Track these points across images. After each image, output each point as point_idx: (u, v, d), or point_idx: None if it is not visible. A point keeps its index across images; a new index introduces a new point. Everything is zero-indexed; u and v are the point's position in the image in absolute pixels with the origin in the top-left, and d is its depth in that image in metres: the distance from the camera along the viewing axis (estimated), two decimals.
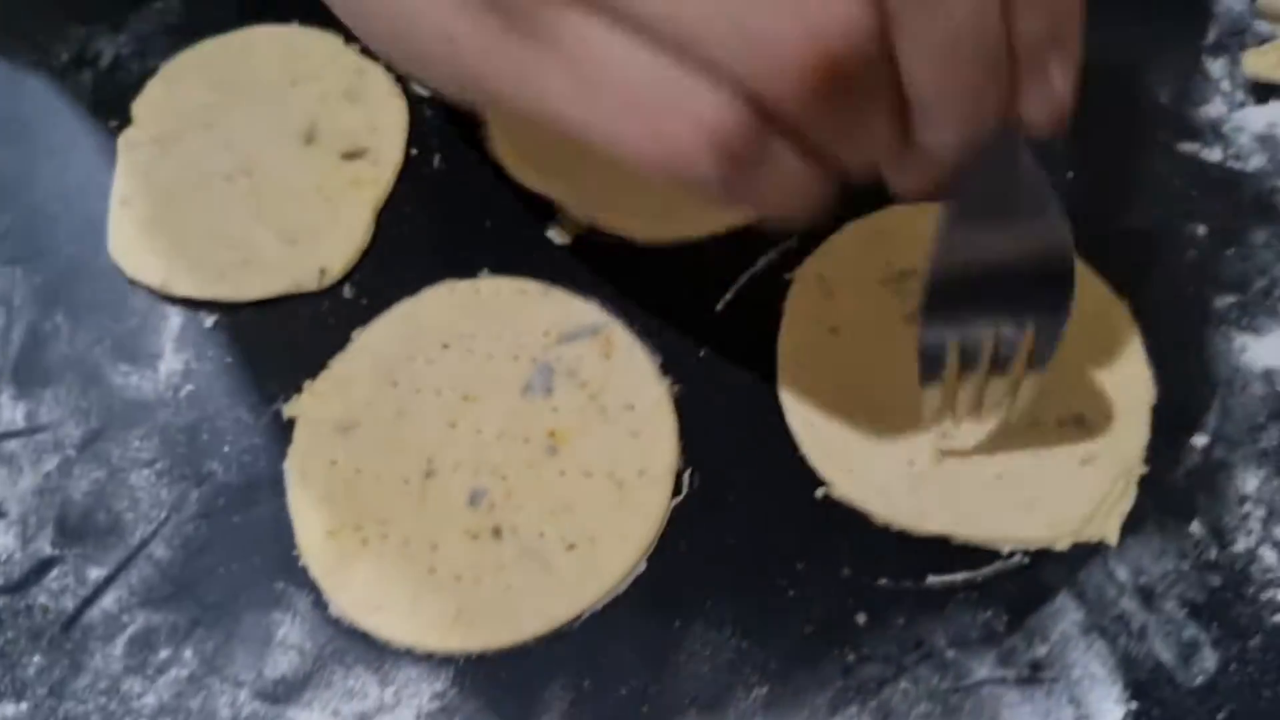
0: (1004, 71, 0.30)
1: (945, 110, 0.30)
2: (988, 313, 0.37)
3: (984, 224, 0.35)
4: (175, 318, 0.46)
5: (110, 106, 0.51)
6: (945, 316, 0.37)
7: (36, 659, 0.40)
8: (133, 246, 0.47)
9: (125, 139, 0.49)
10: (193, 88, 0.50)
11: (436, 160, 0.49)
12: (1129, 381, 0.43)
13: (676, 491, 0.42)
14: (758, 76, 0.27)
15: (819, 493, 0.42)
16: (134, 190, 0.48)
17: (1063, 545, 0.41)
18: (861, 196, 0.45)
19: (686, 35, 0.27)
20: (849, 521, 0.41)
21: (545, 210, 0.48)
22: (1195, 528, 0.41)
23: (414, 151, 0.49)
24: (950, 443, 0.42)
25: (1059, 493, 0.41)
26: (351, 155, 0.48)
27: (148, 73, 0.51)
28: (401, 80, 0.50)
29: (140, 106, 0.50)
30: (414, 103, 0.50)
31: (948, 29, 0.28)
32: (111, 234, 0.47)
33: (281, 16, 0.52)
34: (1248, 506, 0.41)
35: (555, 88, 0.29)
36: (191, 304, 0.46)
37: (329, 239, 0.46)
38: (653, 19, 0.27)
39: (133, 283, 0.46)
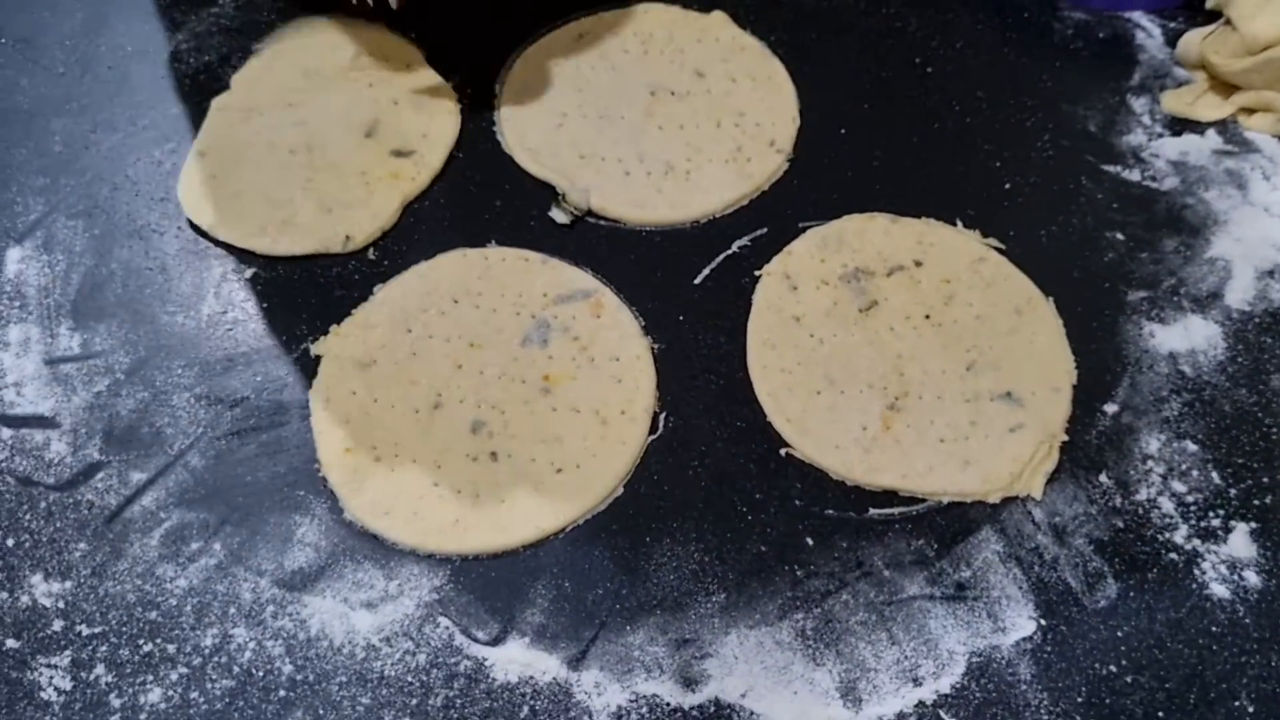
0: None
1: None
2: None
3: None
4: (218, 268, 0.52)
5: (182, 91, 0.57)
6: None
7: (82, 546, 0.45)
8: (196, 190, 0.53)
9: (218, 102, 0.56)
10: (287, 71, 0.57)
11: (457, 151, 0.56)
12: (1053, 364, 0.49)
13: (653, 430, 0.48)
14: None
15: (782, 451, 0.47)
16: (211, 145, 0.55)
17: (994, 499, 0.46)
18: (819, 206, 0.52)
19: None
20: (803, 464, 0.47)
21: (548, 195, 0.54)
22: (1104, 479, 0.47)
23: (458, 156, 0.56)
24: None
25: (992, 455, 0.47)
26: (400, 154, 0.55)
27: (204, 66, 0.58)
28: (463, 102, 0.57)
29: (239, 78, 0.57)
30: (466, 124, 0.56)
31: None
32: (182, 177, 0.54)
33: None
34: (1150, 464, 0.47)
35: None
36: (234, 258, 0.52)
37: (359, 214, 0.53)
38: None
39: (187, 226, 0.52)
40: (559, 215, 0.54)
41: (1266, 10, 0.54)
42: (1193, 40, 0.58)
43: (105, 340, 0.50)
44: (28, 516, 0.45)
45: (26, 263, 0.52)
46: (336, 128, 0.55)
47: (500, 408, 0.48)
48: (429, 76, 0.57)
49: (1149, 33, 0.60)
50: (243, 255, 0.52)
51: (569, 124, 0.56)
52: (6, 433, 0.47)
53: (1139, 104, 0.58)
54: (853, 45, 0.60)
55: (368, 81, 0.57)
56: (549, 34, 0.60)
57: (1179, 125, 0.57)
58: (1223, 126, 0.57)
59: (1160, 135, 0.56)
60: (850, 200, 0.54)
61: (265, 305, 0.51)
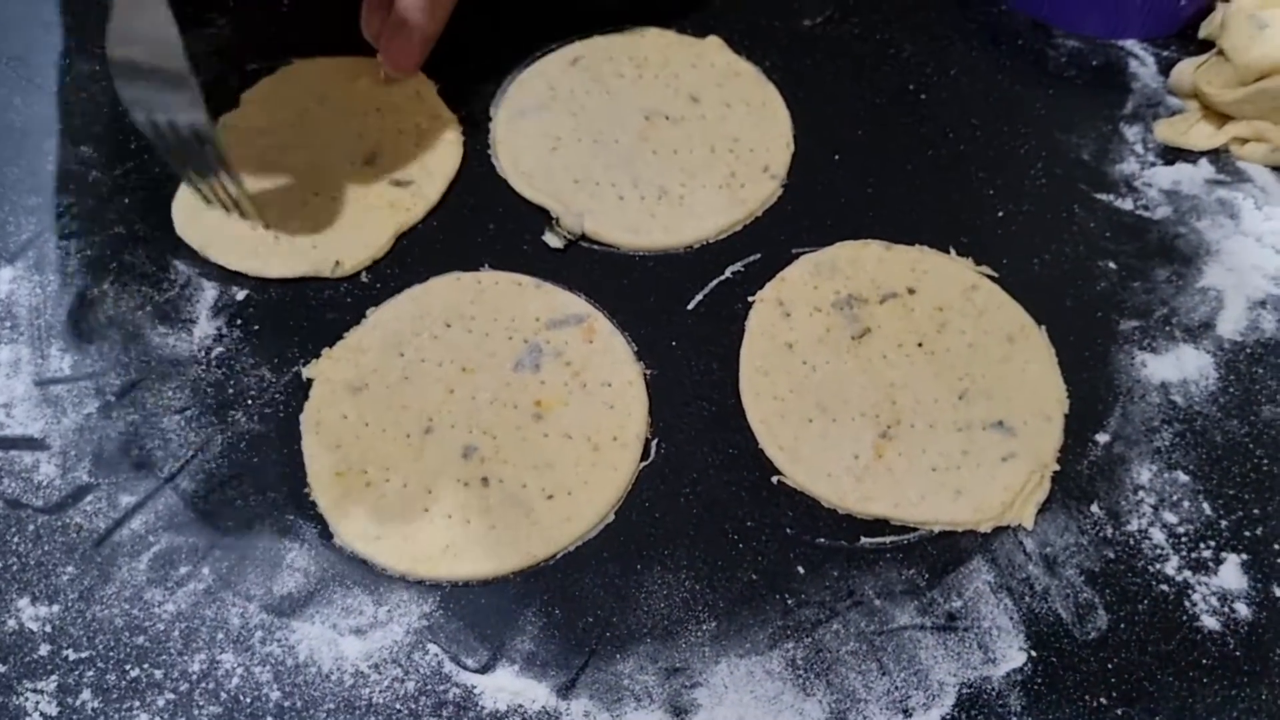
0: None
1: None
2: None
3: None
4: (210, 290, 0.52)
5: None
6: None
7: (69, 569, 0.45)
8: (189, 211, 0.53)
9: (225, 120, 0.56)
10: (296, 93, 0.57)
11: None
12: (1045, 393, 0.49)
13: (645, 456, 0.48)
14: None
15: (774, 479, 0.47)
16: None
17: (985, 528, 0.46)
18: (813, 232, 0.52)
19: None
20: (794, 492, 0.47)
21: (542, 219, 0.54)
22: (1095, 509, 0.47)
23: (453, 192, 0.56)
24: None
25: (983, 484, 0.47)
26: (399, 184, 0.54)
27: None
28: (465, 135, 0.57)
29: (249, 97, 0.57)
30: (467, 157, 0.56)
31: None
32: (177, 196, 0.53)
33: (324, 48, 0.59)
34: (1141, 494, 0.47)
35: None
36: (225, 279, 0.52)
37: (352, 241, 0.53)
38: None
39: (177, 247, 0.52)
40: (552, 240, 0.54)
41: (1259, 41, 0.55)
42: (1186, 70, 0.58)
43: (96, 361, 0.50)
44: (15, 539, 0.45)
45: (18, 283, 0.52)
46: (338, 153, 0.55)
47: (492, 433, 0.48)
48: (436, 108, 0.57)
49: (1142, 61, 0.60)
50: (234, 277, 0.52)
51: (563, 148, 0.56)
52: None
53: (1132, 132, 0.58)
54: (847, 71, 0.60)
55: (376, 107, 0.57)
56: (544, 57, 0.60)
57: (1172, 154, 0.57)
58: (1215, 156, 0.57)
59: (1153, 164, 0.57)
60: (844, 226, 0.54)
61: (256, 328, 0.51)
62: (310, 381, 0.49)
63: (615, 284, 0.52)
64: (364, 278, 0.52)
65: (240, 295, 0.52)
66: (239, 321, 0.51)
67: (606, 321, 0.51)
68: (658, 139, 0.56)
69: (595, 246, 0.54)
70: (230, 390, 0.49)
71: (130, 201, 0.55)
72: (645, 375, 0.50)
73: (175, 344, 0.50)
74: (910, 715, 0.42)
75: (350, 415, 0.48)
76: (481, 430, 0.48)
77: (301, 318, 0.51)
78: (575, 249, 0.54)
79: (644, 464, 0.48)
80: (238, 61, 0.59)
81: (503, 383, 0.49)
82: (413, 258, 0.53)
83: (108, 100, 0.58)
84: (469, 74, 0.59)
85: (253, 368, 0.50)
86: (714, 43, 0.60)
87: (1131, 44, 0.61)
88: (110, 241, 0.53)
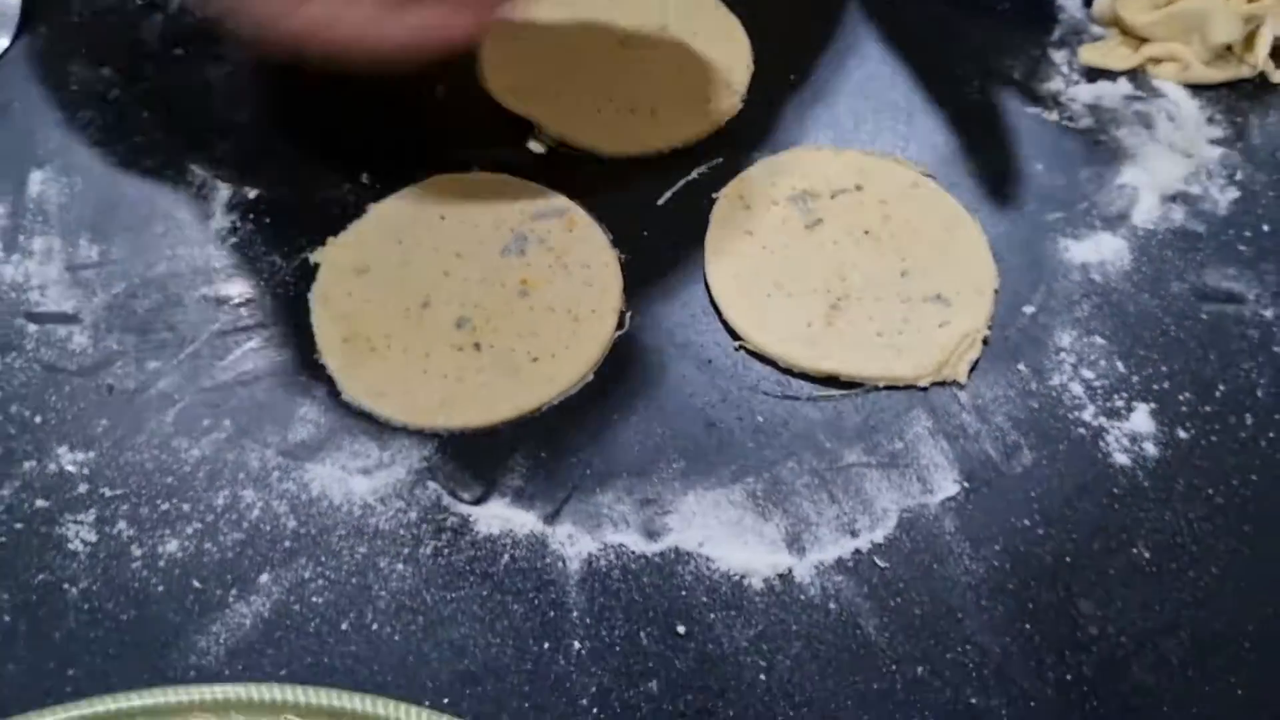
0: None
1: None
2: None
3: None
4: (225, 190, 0.57)
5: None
6: None
7: (103, 422, 0.50)
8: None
9: None
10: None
11: (439, 90, 0.62)
12: (978, 271, 0.55)
13: (620, 327, 0.53)
14: None
15: (735, 345, 0.53)
16: None
17: (924, 384, 0.52)
18: (771, 140, 0.58)
19: None
20: (755, 355, 0.52)
21: (526, 129, 0.60)
22: (1021, 368, 0.52)
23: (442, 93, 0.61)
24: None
25: (922, 347, 0.53)
26: None
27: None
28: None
29: None
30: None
31: None
32: None
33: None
34: (1062, 355, 0.53)
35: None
36: (239, 179, 0.57)
37: None
38: None
39: (192, 150, 0.58)
40: (535, 146, 0.59)
41: None
42: (1107, 1, 0.65)
43: (122, 250, 0.55)
44: (53, 398, 0.50)
45: (47, 184, 0.57)
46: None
47: (483, 307, 0.53)
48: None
49: None
50: (247, 178, 0.57)
51: (546, 69, 0.61)
52: (32, 328, 0.52)
53: (1059, 56, 0.64)
54: (805, 6, 0.66)
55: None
56: None
57: (1095, 75, 0.63)
58: (1133, 76, 0.63)
59: (1077, 83, 0.63)
60: (799, 135, 0.60)
61: (268, 220, 0.56)
62: (317, 266, 0.54)
63: (593, 184, 0.58)
64: (364, 179, 0.58)
65: (252, 194, 0.57)
66: (251, 216, 0.56)
67: (585, 214, 0.56)
68: (631, 61, 0.62)
69: (574, 152, 0.59)
70: (245, 273, 0.54)
71: (148, 115, 0.60)
72: (621, 259, 0.55)
73: (193, 235, 0.55)
74: (857, 535, 0.47)
75: (354, 293, 0.53)
76: (473, 305, 0.53)
77: (309, 212, 0.56)
78: (556, 155, 0.59)
79: (620, 333, 0.53)
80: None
81: (492, 266, 0.54)
82: (409, 163, 0.58)
83: (124, 26, 0.63)
84: None
85: (264, 254, 0.55)
86: None
87: None
88: (131, 149, 0.58)
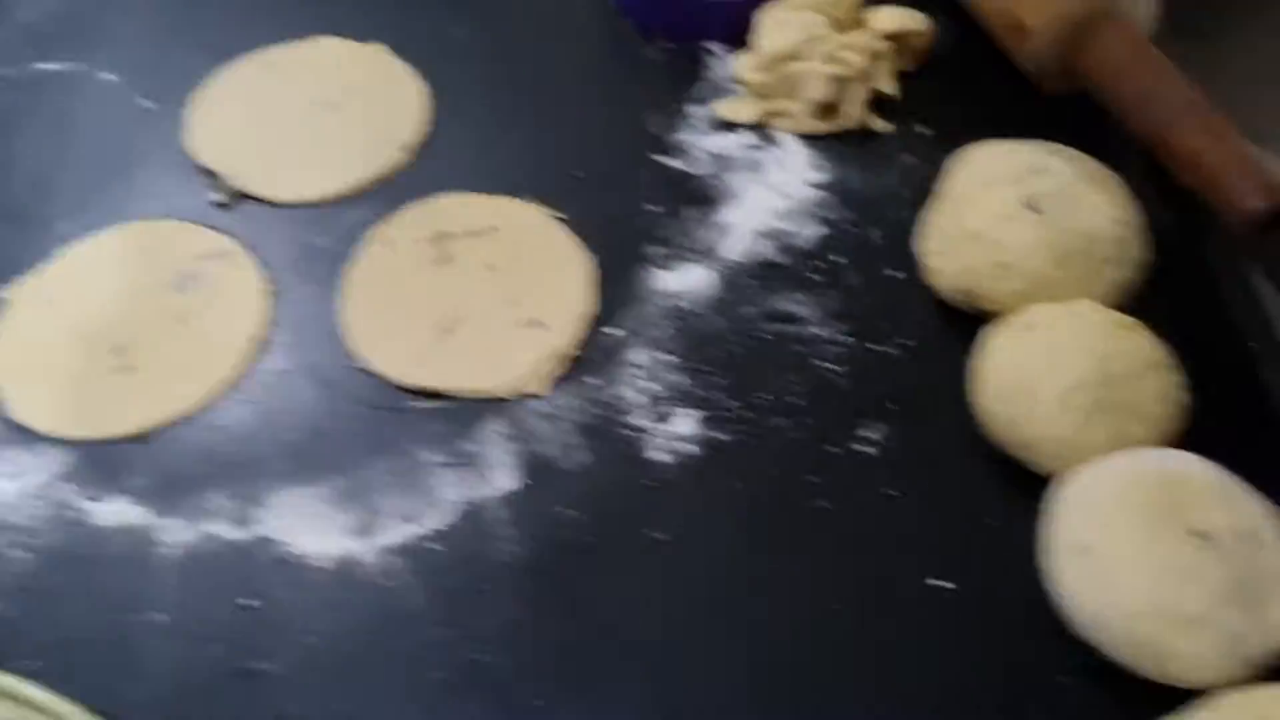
0: None
1: None
2: None
3: None
4: None
5: None
6: None
7: None
8: None
9: None
10: None
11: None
12: (578, 299, 0.64)
13: (260, 352, 0.62)
14: None
15: (358, 365, 0.62)
16: None
17: (509, 395, 0.61)
18: (428, 189, 0.67)
19: None
20: (371, 373, 0.61)
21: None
22: (594, 380, 0.61)
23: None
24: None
25: (515, 365, 0.61)
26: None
27: None
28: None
29: None
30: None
31: None
32: None
33: None
34: (634, 370, 0.61)
35: None
36: None
37: None
38: None
39: None
40: (218, 196, 0.69)
41: (775, 32, 0.70)
42: (739, 62, 0.74)
43: None
44: None
45: None
46: None
47: (139, 335, 0.62)
48: None
49: (719, 58, 0.76)
50: None
51: (240, 129, 0.71)
52: None
53: (697, 111, 0.73)
54: (486, 71, 0.76)
55: None
56: (242, 59, 0.75)
57: (724, 127, 0.72)
58: (759, 128, 0.72)
59: (705, 134, 0.72)
60: (458, 184, 0.69)
61: None
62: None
63: (265, 228, 0.67)
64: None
65: None
66: None
67: (246, 255, 0.66)
68: (317, 120, 0.72)
69: (254, 202, 0.69)
70: None
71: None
72: (272, 292, 0.64)
73: None
74: (420, 523, 0.56)
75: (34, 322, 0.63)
76: (132, 333, 0.62)
77: None
78: (240, 203, 0.69)
79: (259, 358, 0.62)
80: None
81: (156, 300, 0.64)
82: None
83: None
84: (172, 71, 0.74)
85: None
86: (377, 48, 0.76)
87: (714, 45, 0.76)
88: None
